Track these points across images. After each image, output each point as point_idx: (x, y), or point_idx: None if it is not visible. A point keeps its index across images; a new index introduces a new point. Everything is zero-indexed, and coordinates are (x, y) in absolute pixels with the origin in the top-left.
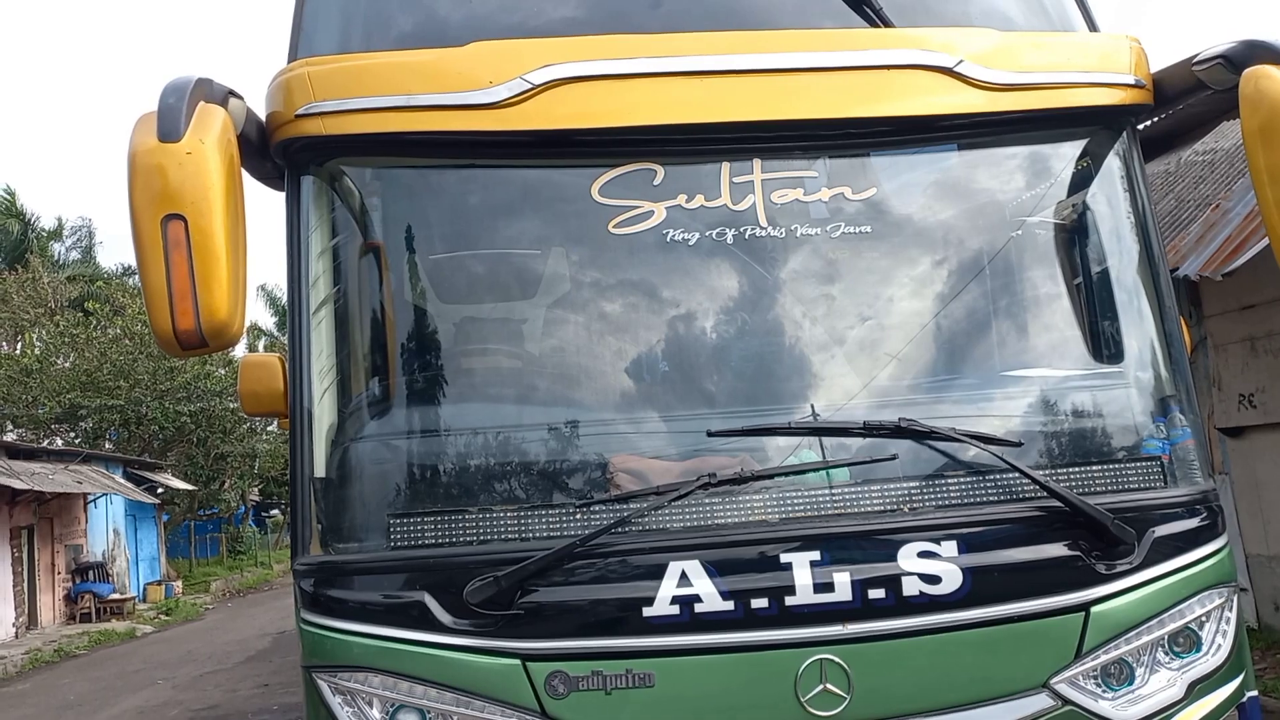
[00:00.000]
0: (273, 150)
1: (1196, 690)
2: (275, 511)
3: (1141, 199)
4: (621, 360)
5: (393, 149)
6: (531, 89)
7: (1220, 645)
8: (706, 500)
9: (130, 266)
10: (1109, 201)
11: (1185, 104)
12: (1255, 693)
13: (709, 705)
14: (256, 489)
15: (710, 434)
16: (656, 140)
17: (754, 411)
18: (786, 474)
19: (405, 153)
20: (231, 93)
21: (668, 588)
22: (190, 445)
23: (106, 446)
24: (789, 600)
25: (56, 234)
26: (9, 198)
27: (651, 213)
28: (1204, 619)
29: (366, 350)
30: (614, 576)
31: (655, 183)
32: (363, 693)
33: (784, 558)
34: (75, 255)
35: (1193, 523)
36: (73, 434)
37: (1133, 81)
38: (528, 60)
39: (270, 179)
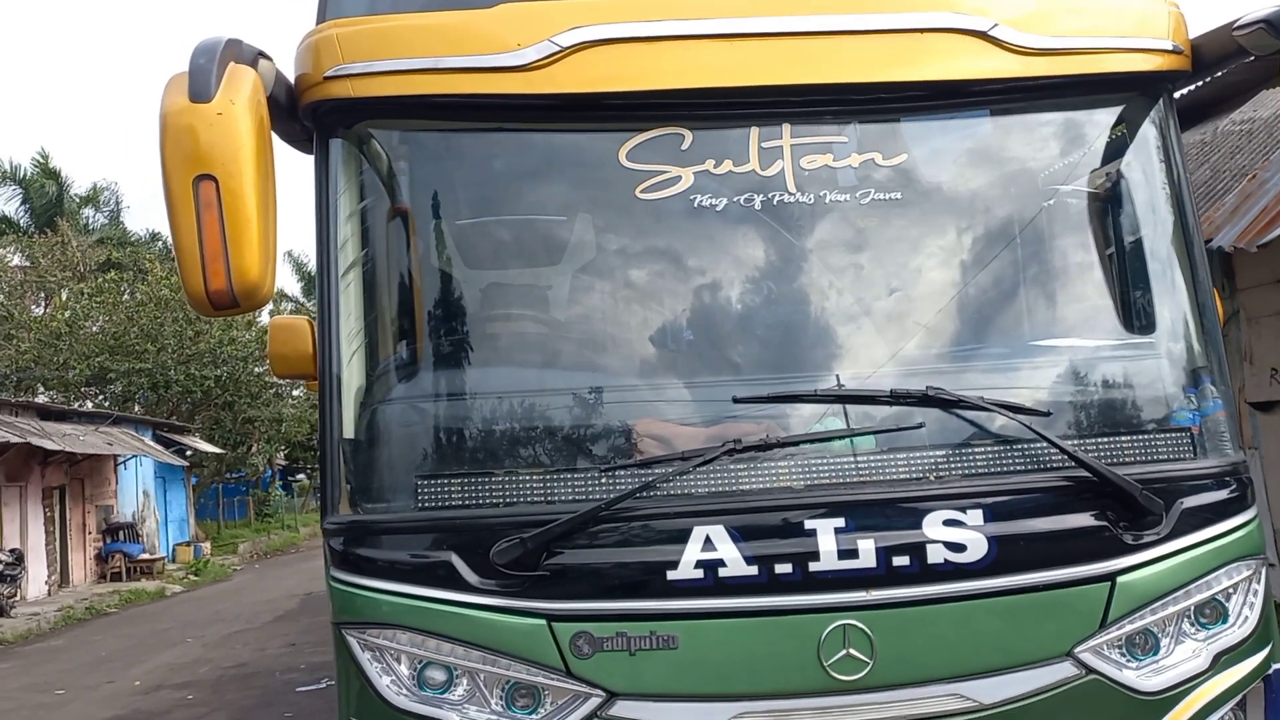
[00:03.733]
0: (301, 112)
1: (1222, 661)
2: (301, 476)
3: (1177, 168)
4: (648, 326)
5: (421, 112)
6: (559, 51)
7: (1247, 617)
8: (731, 466)
9: (157, 232)
10: (1144, 170)
11: (1225, 71)
12: None
13: (732, 668)
14: (282, 453)
15: (736, 400)
16: (685, 104)
17: (780, 378)
18: (812, 441)
19: (433, 115)
20: (261, 54)
21: (692, 552)
22: (217, 409)
23: (135, 409)
24: (813, 566)
25: (91, 199)
26: (43, 159)
27: (679, 178)
28: (1231, 590)
29: (395, 314)
30: (639, 540)
31: (683, 148)
32: (391, 649)
33: (808, 524)
34: (102, 219)
35: (1221, 494)
36: (101, 397)
37: (1170, 47)
38: (555, 22)
39: (298, 141)
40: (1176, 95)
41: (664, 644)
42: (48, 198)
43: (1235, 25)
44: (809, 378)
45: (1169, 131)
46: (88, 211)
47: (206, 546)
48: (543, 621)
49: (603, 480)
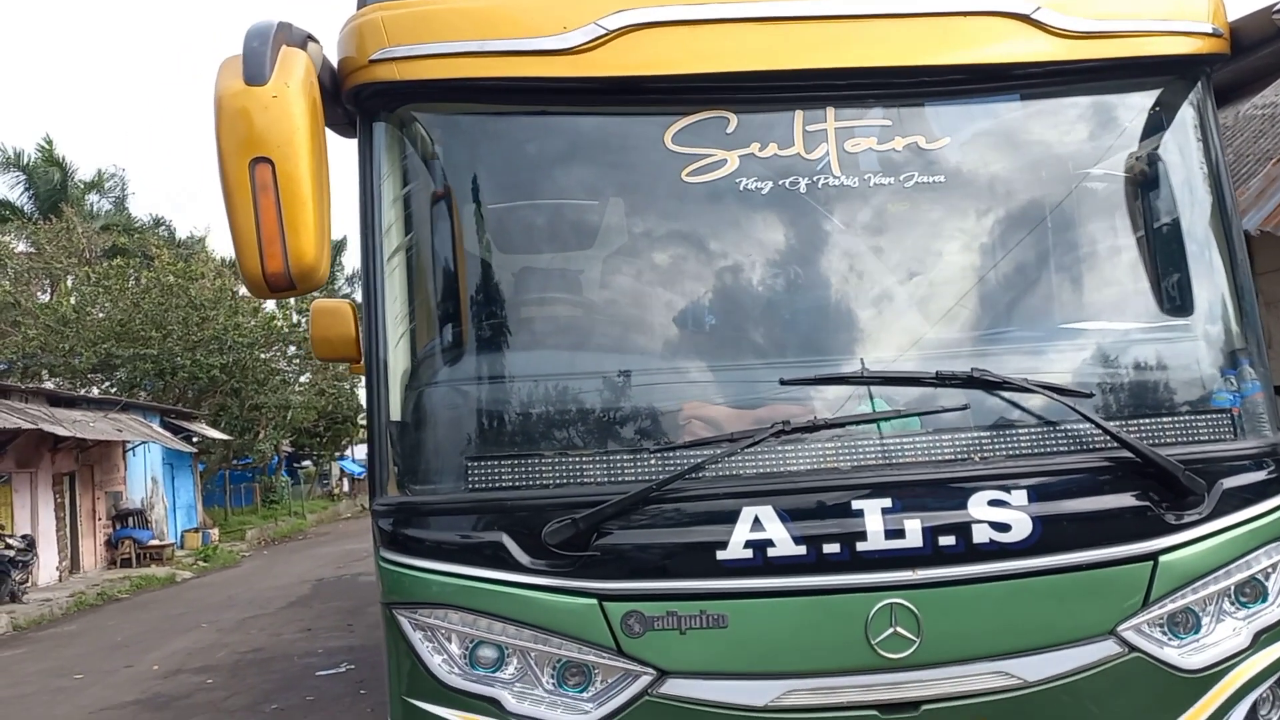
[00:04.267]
0: (345, 96)
1: (1262, 640)
2: (307, 462)
3: (1215, 150)
4: (695, 308)
5: (467, 95)
6: (606, 34)
7: None
8: (779, 447)
9: (160, 217)
10: (1184, 153)
11: (1262, 54)
12: None
13: (781, 647)
14: (288, 440)
15: (783, 382)
16: (730, 87)
17: (825, 360)
18: (858, 422)
19: (479, 99)
20: (310, 37)
21: (741, 532)
22: (224, 396)
23: (141, 396)
24: (860, 546)
25: (96, 185)
26: (47, 146)
27: (724, 161)
28: (1270, 570)
29: (444, 298)
30: (688, 520)
31: (728, 131)
32: (442, 629)
33: (855, 504)
34: (107, 205)
35: (1261, 475)
36: (108, 383)
37: (1210, 30)
38: (601, 5)
39: (340, 125)
40: None
41: (714, 623)
42: (52, 184)
43: (1275, 9)
44: (854, 360)
45: (1207, 114)
46: (92, 197)
47: (214, 533)
48: (594, 601)
49: (652, 461)
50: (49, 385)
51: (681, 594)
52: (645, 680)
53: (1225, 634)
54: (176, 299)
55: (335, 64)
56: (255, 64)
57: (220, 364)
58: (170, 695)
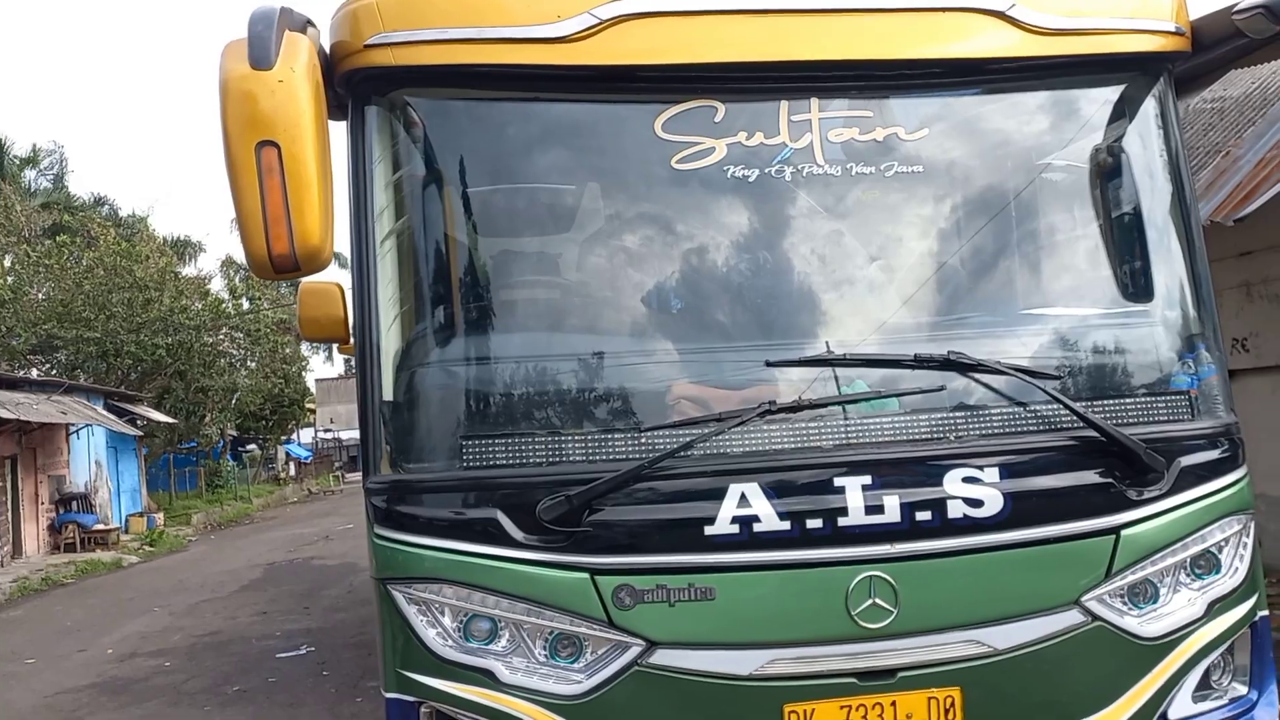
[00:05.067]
0: (337, 80)
1: (1215, 609)
2: (252, 446)
3: (1176, 143)
4: (685, 292)
5: (459, 81)
6: (599, 24)
7: (1238, 568)
8: (765, 427)
9: (101, 195)
10: (1149, 146)
11: (1220, 51)
12: (1266, 612)
13: (765, 618)
14: (233, 424)
15: (769, 363)
16: (718, 78)
17: (810, 343)
18: (841, 403)
19: (472, 85)
20: (309, 21)
21: (728, 508)
22: (169, 378)
23: (82, 378)
24: (841, 521)
25: (32, 160)
26: None
27: (713, 149)
28: (1223, 543)
29: (436, 280)
30: (678, 497)
31: (716, 120)
32: (436, 603)
33: (837, 481)
34: (45, 183)
35: (1216, 453)
36: (48, 365)
37: (1173, 29)
38: None
39: (329, 109)
40: None
41: (702, 595)
42: None
43: (1234, 10)
44: (836, 343)
45: (1169, 108)
46: (29, 174)
47: (159, 517)
48: (586, 575)
49: (643, 440)
50: None
51: (671, 568)
52: (635, 651)
53: (1181, 604)
54: (120, 280)
55: (328, 48)
56: (261, 48)
57: (165, 345)
58: (127, 678)
